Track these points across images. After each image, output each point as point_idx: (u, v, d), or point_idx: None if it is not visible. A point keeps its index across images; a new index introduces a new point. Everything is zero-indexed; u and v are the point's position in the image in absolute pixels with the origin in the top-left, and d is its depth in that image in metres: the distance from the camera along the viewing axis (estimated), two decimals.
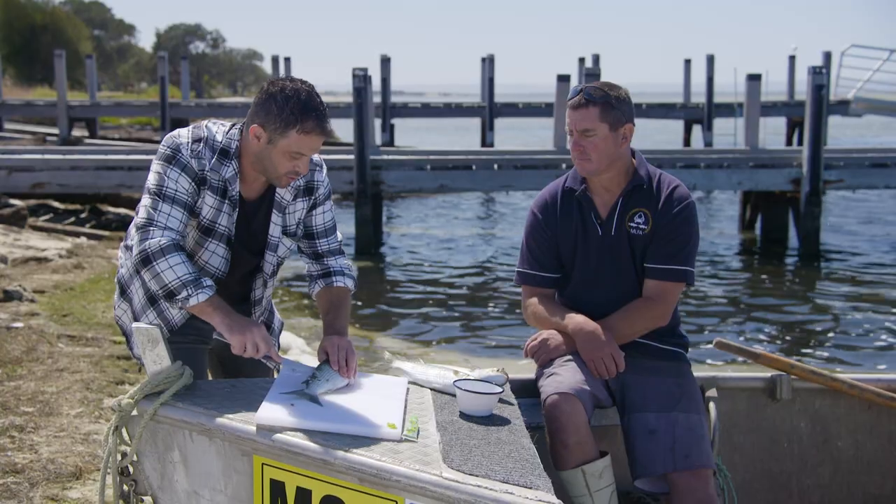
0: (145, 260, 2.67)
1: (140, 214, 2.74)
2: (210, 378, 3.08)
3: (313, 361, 2.84)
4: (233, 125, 2.84)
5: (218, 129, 2.82)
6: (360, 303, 10.25)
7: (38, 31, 49.40)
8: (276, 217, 2.89)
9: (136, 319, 2.92)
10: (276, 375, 3.08)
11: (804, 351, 8.63)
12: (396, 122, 26.35)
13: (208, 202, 2.77)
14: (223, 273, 2.86)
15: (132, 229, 2.93)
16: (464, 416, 2.61)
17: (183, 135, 2.78)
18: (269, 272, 2.98)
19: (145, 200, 2.75)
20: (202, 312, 2.69)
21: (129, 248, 2.94)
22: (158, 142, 25.19)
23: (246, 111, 2.86)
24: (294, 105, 2.65)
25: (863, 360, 8.39)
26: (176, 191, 2.72)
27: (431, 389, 2.82)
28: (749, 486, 3.45)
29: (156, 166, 2.76)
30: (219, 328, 2.70)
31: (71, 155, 14.54)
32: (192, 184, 2.74)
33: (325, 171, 2.99)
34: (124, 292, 2.98)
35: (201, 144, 2.76)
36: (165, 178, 2.72)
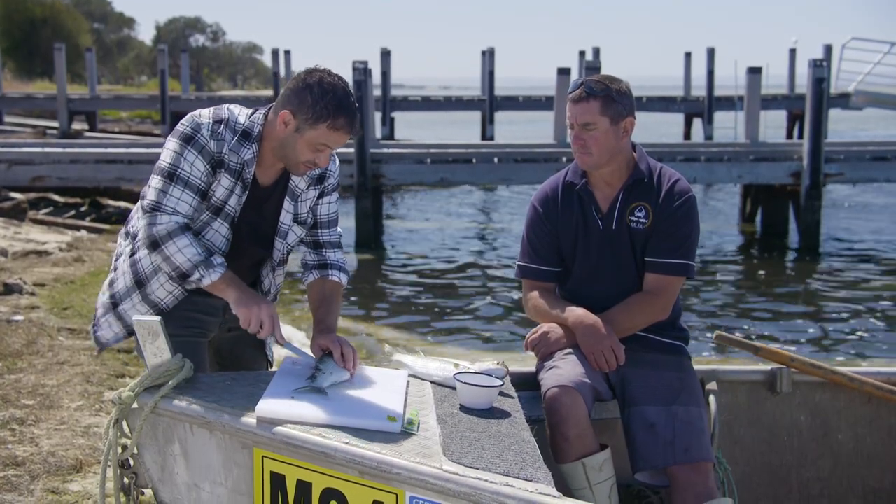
0: (154, 244, 2.69)
1: (149, 196, 2.71)
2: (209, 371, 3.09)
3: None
4: (256, 109, 2.83)
5: (241, 111, 2.81)
6: (360, 296, 10.25)
7: (37, 25, 49.35)
8: (288, 204, 2.89)
9: (116, 304, 2.90)
10: (272, 368, 3.09)
11: (804, 344, 8.64)
12: (396, 115, 26.32)
13: (224, 184, 2.76)
14: (223, 253, 2.85)
15: (134, 215, 2.93)
16: (464, 409, 2.61)
17: (204, 115, 2.77)
18: (278, 259, 2.98)
19: (156, 182, 2.71)
20: (215, 289, 2.72)
21: (129, 235, 2.93)
22: (158, 135, 25.23)
23: (246, 105, 2.86)
24: (330, 100, 2.67)
25: (863, 353, 8.39)
26: (190, 174, 2.70)
27: (431, 382, 2.82)
28: (749, 479, 3.45)
29: (172, 144, 2.73)
30: (230, 301, 2.73)
31: (71, 148, 14.53)
32: (208, 167, 2.72)
33: (337, 161, 3.02)
34: (111, 274, 2.97)
35: (222, 125, 2.75)
36: (182, 159, 2.70)
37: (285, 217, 2.90)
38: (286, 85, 2.77)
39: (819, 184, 13.34)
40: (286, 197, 2.89)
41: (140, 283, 2.86)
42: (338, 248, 3.05)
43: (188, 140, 2.72)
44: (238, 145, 2.75)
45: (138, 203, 2.91)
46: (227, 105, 2.84)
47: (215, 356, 3.13)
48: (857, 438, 3.51)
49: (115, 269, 2.95)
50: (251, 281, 3.03)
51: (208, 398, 2.46)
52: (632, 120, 3.09)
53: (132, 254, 2.88)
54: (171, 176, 2.70)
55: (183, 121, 2.79)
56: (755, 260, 13.58)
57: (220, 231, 2.82)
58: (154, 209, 2.69)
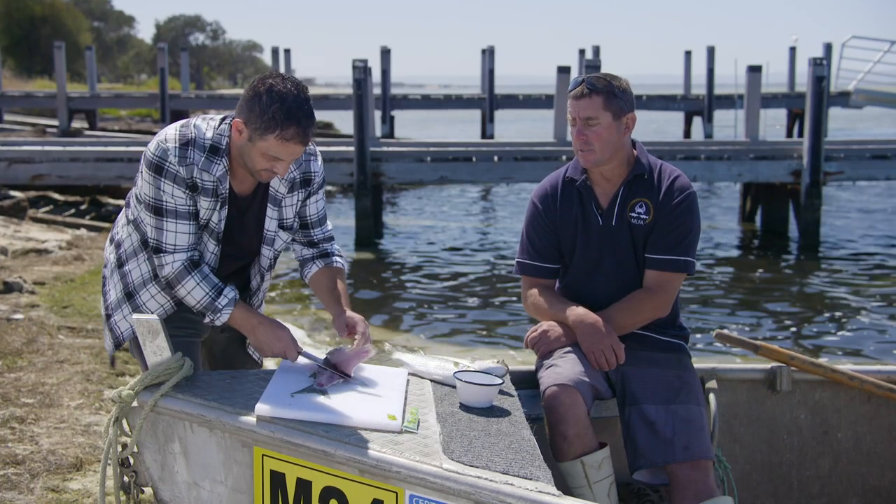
0: (169, 286, 2.77)
1: (149, 235, 2.74)
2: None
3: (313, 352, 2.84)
4: (223, 119, 2.77)
5: (207, 125, 2.74)
6: (359, 295, 10.24)
7: (37, 23, 49.32)
8: (271, 211, 2.88)
9: (109, 315, 2.92)
10: (265, 366, 3.12)
11: (804, 342, 8.63)
12: (396, 113, 26.30)
13: (203, 205, 2.75)
14: (213, 268, 2.86)
15: (118, 221, 2.94)
16: (464, 407, 2.62)
17: (170, 138, 2.69)
18: (266, 265, 2.99)
19: (147, 219, 2.72)
20: (233, 325, 2.81)
21: (112, 241, 2.95)
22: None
23: None
24: (277, 109, 2.55)
25: (862, 351, 8.39)
26: (175, 203, 2.69)
27: (431, 381, 2.82)
28: (749, 477, 3.46)
29: (147, 176, 2.69)
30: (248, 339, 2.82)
31: (71, 146, 14.50)
32: (186, 190, 2.70)
33: (320, 160, 2.96)
34: (105, 286, 2.98)
35: (189, 147, 2.68)
36: (160, 191, 2.68)
37: (270, 224, 2.89)
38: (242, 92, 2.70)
39: (819, 182, 13.33)
40: (268, 204, 2.87)
41: (130, 294, 2.87)
42: (332, 241, 3.09)
43: (159, 171, 2.67)
44: (208, 163, 2.70)
45: (122, 211, 2.92)
46: (193, 120, 2.76)
47: (207, 356, 3.14)
48: (857, 437, 3.51)
49: (106, 280, 2.95)
50: (240, 285, 3.03)
51: (208, 397, 2.46)
52: (633, 116, 3.09)
53: (120, 265, 2.88)
54: (158, 210, 2.70)
55: (151, 146, 2.71)
56: (755, 258, 13.57)
57: (207, 247, 2.83)
58: (157, 250, 2.73)
